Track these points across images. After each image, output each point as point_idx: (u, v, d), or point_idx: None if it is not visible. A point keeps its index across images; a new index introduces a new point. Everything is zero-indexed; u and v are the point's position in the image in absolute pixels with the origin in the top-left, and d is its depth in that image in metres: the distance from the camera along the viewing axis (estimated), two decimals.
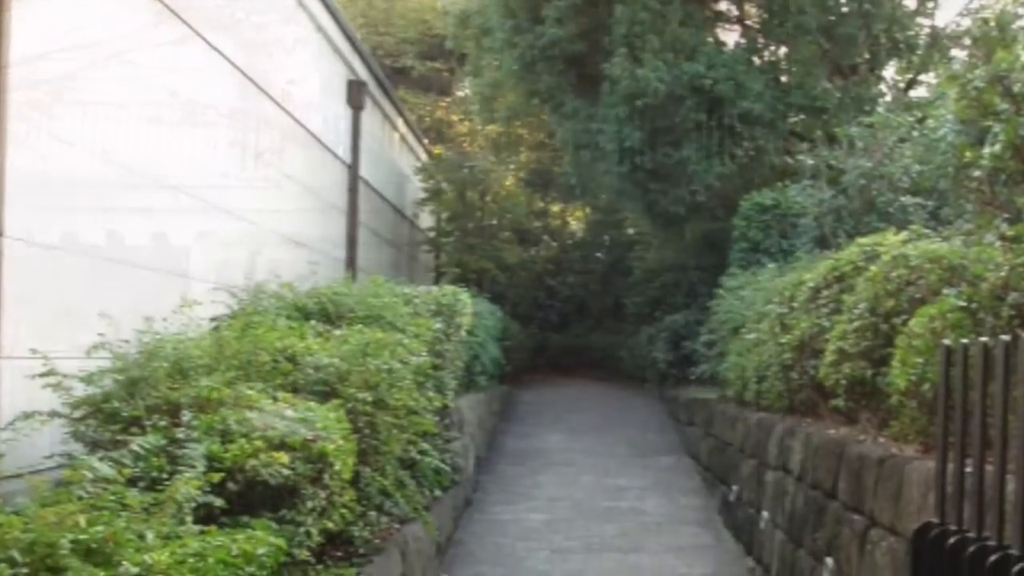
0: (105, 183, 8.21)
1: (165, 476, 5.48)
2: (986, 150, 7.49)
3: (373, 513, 7.65)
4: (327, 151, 15.95)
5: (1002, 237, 7.19)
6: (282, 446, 5.94)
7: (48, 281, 7.38)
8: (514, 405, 23.25)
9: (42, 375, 6.35)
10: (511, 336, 24.02)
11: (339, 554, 7.08)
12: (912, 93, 21.51)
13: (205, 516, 5.28)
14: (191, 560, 4.33)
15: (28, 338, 6.81)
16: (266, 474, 5.74)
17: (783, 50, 21.85)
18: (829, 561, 7.91)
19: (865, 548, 7.03)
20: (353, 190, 17.55)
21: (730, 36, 22.88)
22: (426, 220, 27.29)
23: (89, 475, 5.11)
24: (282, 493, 5.91)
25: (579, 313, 34.36)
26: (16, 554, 4.15)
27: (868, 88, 20.73)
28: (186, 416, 6.11)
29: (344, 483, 6.53)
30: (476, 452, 15.66)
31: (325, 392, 7.27)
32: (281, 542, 4.97)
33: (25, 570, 4.13)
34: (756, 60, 21.42)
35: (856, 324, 8.57)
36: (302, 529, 5.91)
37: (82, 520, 4.42)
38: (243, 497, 5.73)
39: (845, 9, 20.33)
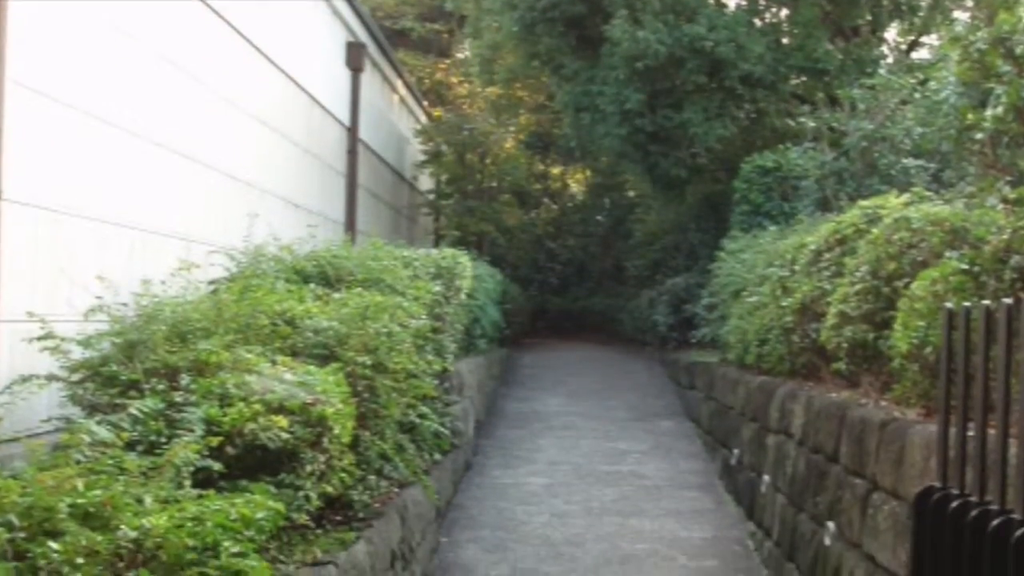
0: (104, 145, 8.16)
1: (163, 440, 5.46)
2: (988, 112, 7.46)
3: (372, 477, 7.64)
4: (326, 113, 15.89)
5: (1004, 200, 7.16)
6: (281, 410, 5.91)
7: (46, 244, 7.35)
8: (514, 368, 23.25)
9: (40, 338, 6.33)
10: (511, 299, 24.02)
11: (338, 518, 7.06)
12: (914, 55, 21.46)
13: (203, 480, 5.26)
14: (189, 524, 4.30)
15: (26, 301, 6.79)
16: (265, 438, 5.72)
17: (784, 12, 21.76)
18: (831, 525, 7.91)
19: (867, 512, 7.02)
20: (352, 152, 17.49)
21: None
22: (426, 183, 27.23)
23: (87, 439, 5.09)
24: (281, 457, 5.90)
25: (579, 276, 34.38)
26: (14, 518, 4.13)
27: (870, 50, 20.66)
28: (184, 380, 6.09)
29: (343, 447, 6.51)
30: (476, 416, 15.67)
31: (324, 355, 7.24)
32: (280, 506, 4.95)
33: (23, 534, 4.11)
34: (757, 22, 21.32)
35: (858, 287, 8.55)
36: (301, 493, 5.89)
37: (80, 484, 4.40)
38: (242, 461, 5.71)
39: None
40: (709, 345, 17.63)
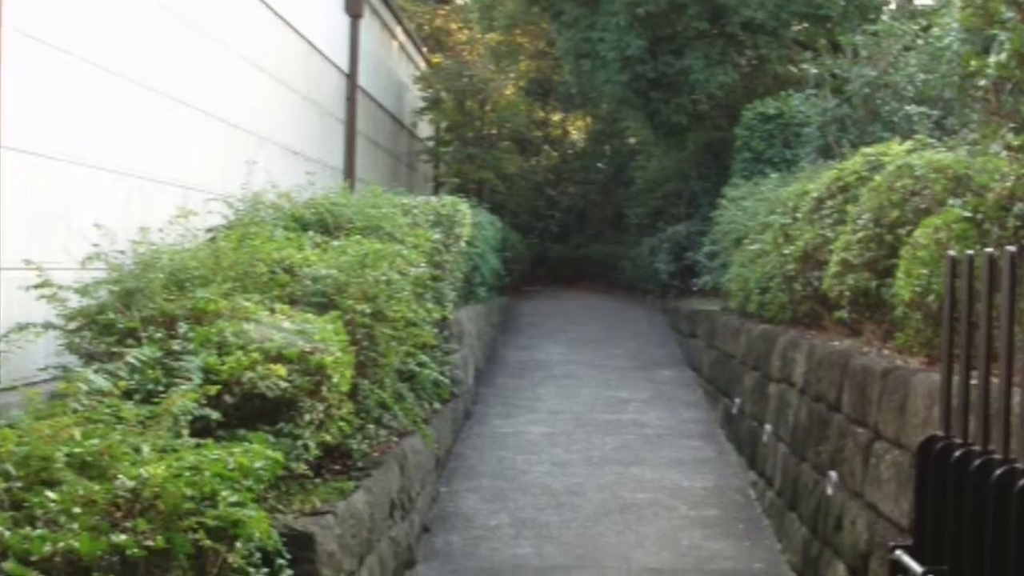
0: (101, 92, 8.10)
1: (161, 388, 5.44)
2: (992, 59, 7.37)
3: (371, 426, 7.62)
4: (325, 60, 15.78)
5: (1008, 147, 7.08)
6: (279, 358, 5.89)
7: (43, 191, 7.30)
8: (514, 317, 23.24)
9: (37, 286, 6.29)
10: (511, 247, 23.99)
11: (337, 467, 7.05)
12: (917, 1, 21.27)
13: (201, 429, 5.25)
14: (187, 474, 4.28)
15: (22, 249, 6.75)
16: (263, 387, 5.70)
17: None
18: (833, 474, 7.90)
19: (869, 461, 7.01)
20: (351, 99, 17.39)
21: None
22: (425, 130, 27.13)
23: (84, 387, 5.07)
24: (279, 406, 5.88)
25: (580, 223, 34.34)
26: (10, 467, 4.12)
27: None
28: (182, 328, 6.06)
29: (342, 396, 6.49)
30: (475, 364, 15.67)
31: (323, 304, 7.21)
32: (278, 455, 4.93)
33: (19, 484, 4.09)
34: None
35: (860, 235, 8.51)
36: (300, 442, 5.88)
37: (77, 433, 4.38)
38: (240, 410, 5.69)
39: None
40: (710, 293, 17.61)
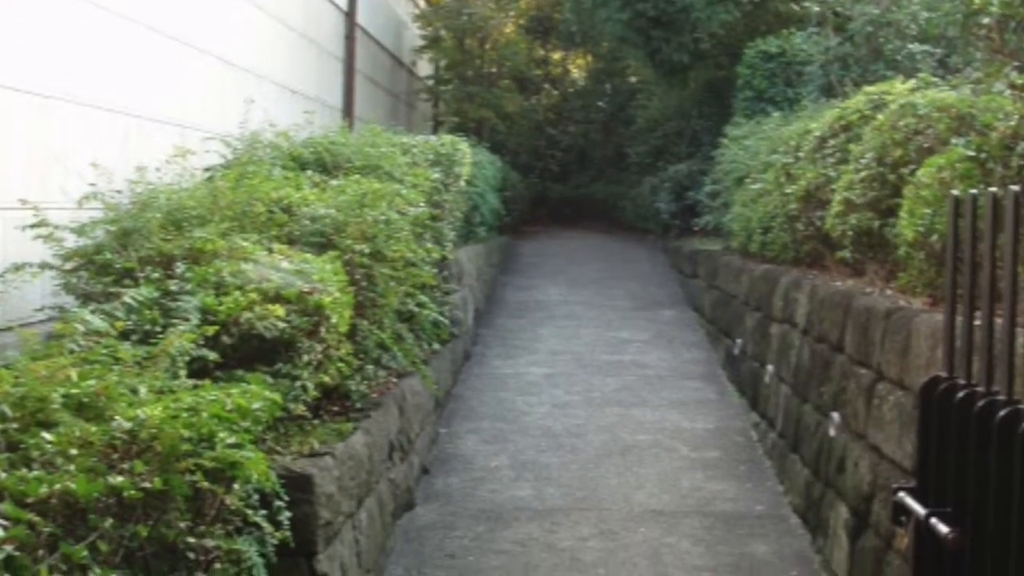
0: (97, 29, 8.02)
1: (158, 329, 5.41)
2: None
3: (370, 367, 7.59)
4: None
5: (1011, 86, 7.02)
6: (278, 298, 5.86)
7: (40, 130, 7.25)
8: (514, 257, 23.20)
9: (33, 226, 6.26)
10: (511, 186, 23.90)
11: (336, 409, 7.04)
12: None
13: (199, 370, 5.22)
14: (184, 415, 4.26)
15: (18, 188, 6.71)
16: (261, 327, 5.67)
17: None
18: (835, 416, 7.88)
19: (872, 402, 6.99)
20: (350, 38, 17.26)
21: None
22: (424, 68, 26.98)
23: (81, 328, 5.04)
24: (277, 347, 5.85)
25: (580, 163, 34.20)
26: (6, 408, 4.09)
27: None
28: (180, 268, 6.03)
29: (341, 336, 6.47)
30: (475, 305, 15.64)
31: (321, 244, 7.17)
32: (277, 396, 4.90)
33: (15, 425, 4.07)
34: None
35: (863, 174, 8.45)
36: (298, 383, 5.85)
37: (73, 374, 4.36)
38: (238, 351, 5.67)
39: None
40: (712, 233, 17.57)
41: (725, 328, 14.34)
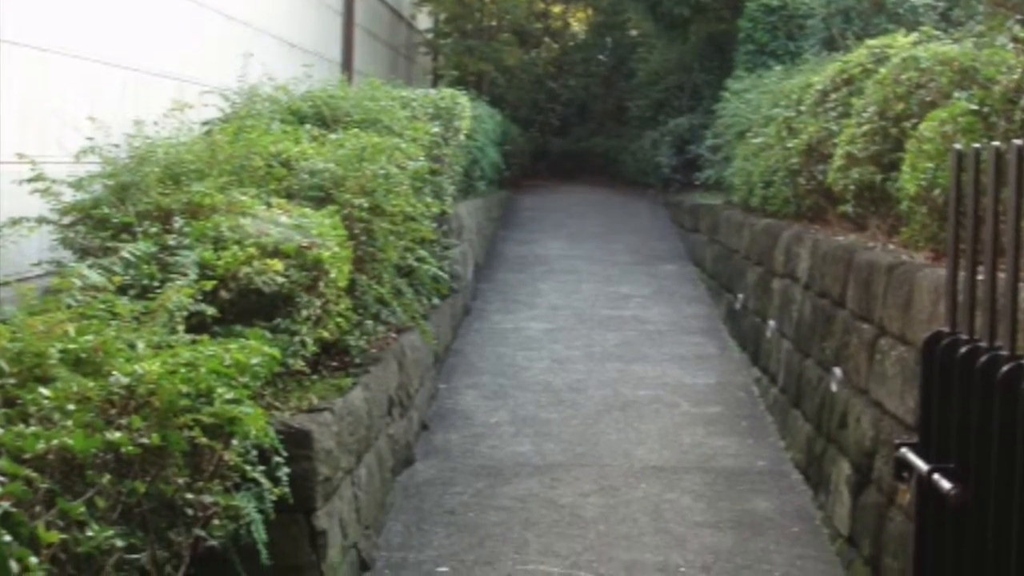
0: None
1: (156, 284, 5.39)
2: None
3: (369, 322, 7.56)
4: None
5: (1014, 39, 6.98)
6: (276, 253, 5.83)
7: (37, 84, 7.20)
8: (514, 211, 23.13)
9: (30, 180, 6.22)
10: (511, 140, 23.81)
11: (335, 364, 7.01)
12: None
13: (197, 325, 5.20)
14: (182, 370, 4.23)
15: (15, 142, 6.66)
16: (260, 282, 5.64)
17: None
18: (837, 371, 7.87)
19: (874, 358, 6.97)
20: None
21: None
22: (424, 21, 26.81)
23: (78, 283, 5.02)
24: (276, 301, 5.83)
25: (581, 116, 34.09)
26: (3, 364, 4.07)
27: None
28: (178, 222, 6.00)
29: (340, 291, 6.44)
30: (475, 259, 15.60)
31: (320, 198, 7.13)
32: (275, 352, 4.88)
33: (12, 380, 4.05)
34: None
35: (865, 128, 8.40)
36: (297, 339, 5.83)
37: (71, 329, 4.33)
38: (236, 306, 5.64)
39: None
40: (713, 187, 17.50)
41: (726, 283, 14.31)
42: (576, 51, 36.00)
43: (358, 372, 7.02)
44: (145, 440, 3.92)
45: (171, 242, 5.79)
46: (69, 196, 6.41)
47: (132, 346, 4.45)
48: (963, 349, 3.96)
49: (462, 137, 12.70)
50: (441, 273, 9.64)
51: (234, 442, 4.44)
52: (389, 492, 7.92)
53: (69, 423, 3.80)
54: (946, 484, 3.80)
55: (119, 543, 3.77)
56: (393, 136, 8.93)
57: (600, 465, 8.89)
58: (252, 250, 5.71)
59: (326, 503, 5.82)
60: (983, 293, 3.94)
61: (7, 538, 3.30)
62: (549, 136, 33.32)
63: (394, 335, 8.36)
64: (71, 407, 3.87)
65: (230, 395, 4.35)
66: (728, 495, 8.32)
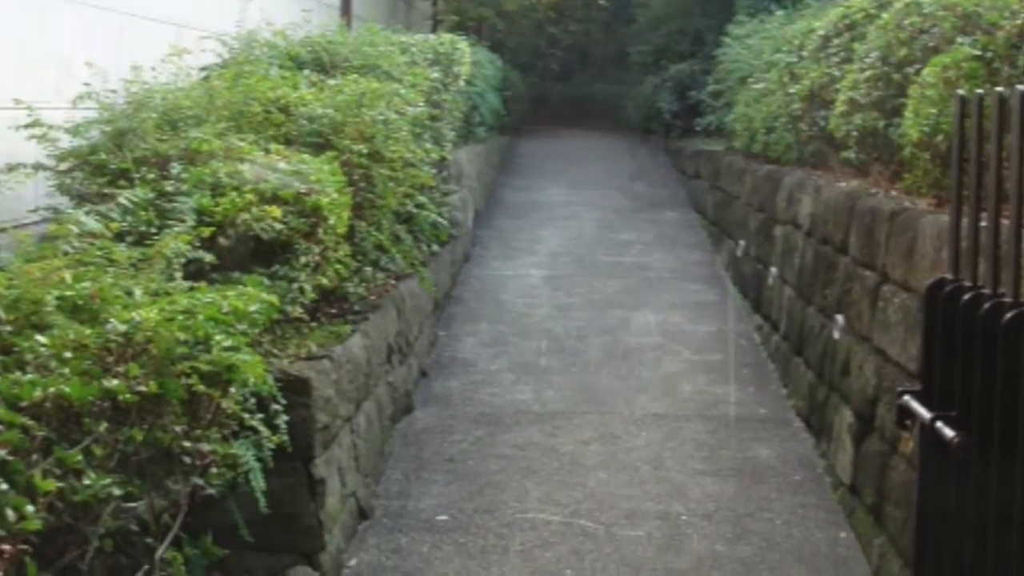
0: None
1: (154, 231, 5.36)
2: None
3: (368, 269, 7.52)
4: None
5: None
6: (275, 199, 5.80)
7: (33, 29, 7.14)
8: (514, 157, 23.04)
9: (27, 126, 6.18)
10: (511, 86, 23.69)
11: (334, 311, 6.99)
12: None
13: (195, 272, 5.18)
14: (180, 317, 4.21)
15: (12, 88, 6.61)
16: (258, 228, 5.61)
17: None
18: (839, 318, 7.84)
19: (877, 305, 6.94)
20: None
21: None
22: None
23: (75, 229, 4.99)
24: (275, 248, 5.80)
25: (581, 62, 33.98)
26: (0, 311, 4.04)
27: None
28: (175, 168, 5.96)
29: (339, 238, 6.41)
30: (475, 206, 15.53)
31: (319, 144, 7.08)
32: (273, 299, 4.85)
33: (9, 328, 4.03)
34: None
35: (867, 73, 8.34)
36: (295, 285, 5.81)
37: (68, 276, 4.32)
38: (234, 252, 5.62)
39: None
40: (715, 133, 17.40)
41: (728, 230, 14.25)
42: None
43: (357, 319, 7.00)
44: (142, 388, 3.90)
45: (169, 188, 5.75)
46: (66, 142, 6.37)
47: (129, 293, 4.43)
48: (966, 296, 3.94)
49: (462, 83, 12.63)
50: (440, 220, 9.60)
51: (232, 390, 4.42)
52: (388, 440, 7.92)
53: (66, 371, 3.78)
54: (949, 432, 3.78)
55: (116, 491, 3.76)
56: (392, 82, 8.87)
57: (601, 413, 8.88)
58: (250, 196, 5.68)
59: (325, 451, 5.81)
60: (986, 240, 3.91)
61: (4, 486, 3.30)
62: (550, 82, 33.21)
63: (393, 282, 8.33)
64: (68, 355, 3.85)
65: (228, 342, 4.32)
66: (729, 443, 8.32)
